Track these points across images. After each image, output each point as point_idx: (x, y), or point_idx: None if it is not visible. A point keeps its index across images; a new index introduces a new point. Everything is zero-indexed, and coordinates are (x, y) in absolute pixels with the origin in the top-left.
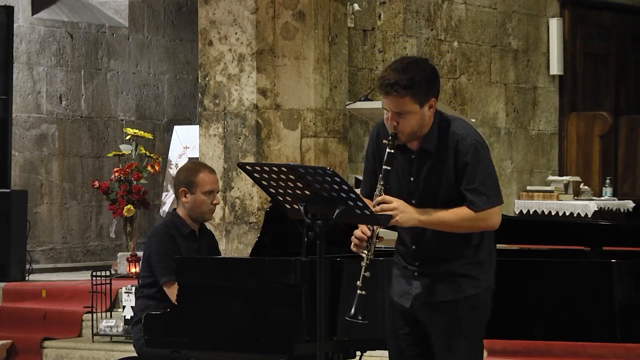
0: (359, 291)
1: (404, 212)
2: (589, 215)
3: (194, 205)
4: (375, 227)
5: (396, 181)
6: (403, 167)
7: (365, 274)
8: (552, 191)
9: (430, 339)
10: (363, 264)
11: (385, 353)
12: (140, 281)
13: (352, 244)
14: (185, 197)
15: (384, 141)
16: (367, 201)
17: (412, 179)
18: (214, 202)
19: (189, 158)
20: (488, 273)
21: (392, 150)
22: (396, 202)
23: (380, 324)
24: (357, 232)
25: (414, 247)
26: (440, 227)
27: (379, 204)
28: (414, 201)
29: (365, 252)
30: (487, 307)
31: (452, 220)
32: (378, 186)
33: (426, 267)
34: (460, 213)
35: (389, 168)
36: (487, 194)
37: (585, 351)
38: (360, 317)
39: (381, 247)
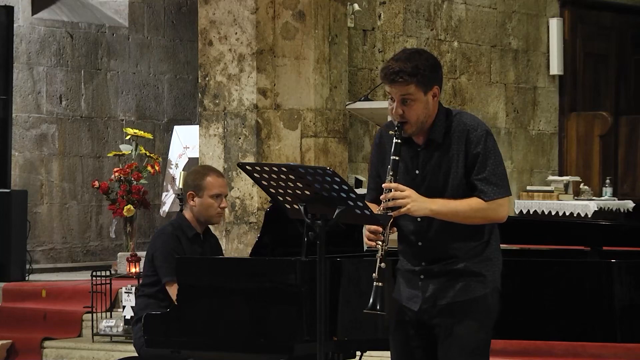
0: (375, 283)
1: (416, 200)
2: (589, 215)
3: (202, 208)
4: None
5: (400, 176)
6: (407, 162)
7: (381, 265)
8: (552, 191)
9: (437, 341)
10: (378, 255)
11: (385, 353)
12: (142, 280)
13: (365, 236)
14: (193, 200)
15: (390, 132)
16: (372, 206)
17: (417, 172)
18: (222, 205)
19: (189, 158)
20: (495, 272)
21: (400, 140)
22: (408, 191)
23: (380, 324)
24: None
25: (419, 243)
26: (452, 216)
27: (390, 192)
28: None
29: (380, 243)
30: (496, 309)
31: (464, 210)
32: (388, 176)
33: (433, 267)
34: (472, 203)
35: (397, 158)
36: (497, 184)
37: (585, 351)
38: (378, 308)
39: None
